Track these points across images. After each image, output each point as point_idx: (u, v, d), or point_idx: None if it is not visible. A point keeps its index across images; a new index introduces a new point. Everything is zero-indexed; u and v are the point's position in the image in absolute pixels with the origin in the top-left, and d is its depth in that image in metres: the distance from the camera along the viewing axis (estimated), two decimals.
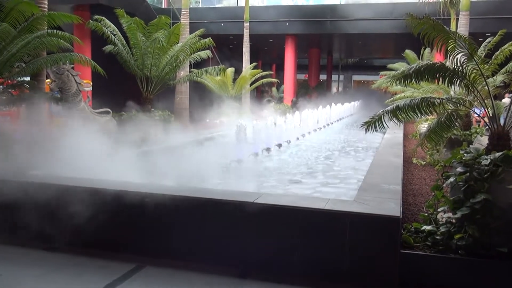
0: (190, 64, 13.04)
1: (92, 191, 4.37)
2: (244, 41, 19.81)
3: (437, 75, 5.20)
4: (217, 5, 27.00)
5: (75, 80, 9.26)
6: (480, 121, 11.59)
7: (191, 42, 11.59)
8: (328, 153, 10.37)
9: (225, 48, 25.83)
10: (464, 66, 5.16)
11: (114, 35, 10.88)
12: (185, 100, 14.19)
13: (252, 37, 20.09)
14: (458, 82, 5.28)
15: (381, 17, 20.73)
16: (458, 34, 5.08)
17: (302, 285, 3.72)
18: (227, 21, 22.37)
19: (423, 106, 5.30)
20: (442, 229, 3.84)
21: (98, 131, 7.44)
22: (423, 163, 8.15)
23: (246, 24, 19.78)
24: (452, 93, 8.82)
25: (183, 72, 13.48)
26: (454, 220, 3.83)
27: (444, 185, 4.28)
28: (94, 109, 10.06)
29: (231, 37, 23.29)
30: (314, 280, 3.78)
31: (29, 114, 7.95)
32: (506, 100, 13.16)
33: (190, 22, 14.48)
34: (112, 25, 10.92)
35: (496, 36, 8.80)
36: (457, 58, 5.17)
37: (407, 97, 8.85)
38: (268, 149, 9.54)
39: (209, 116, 14.88)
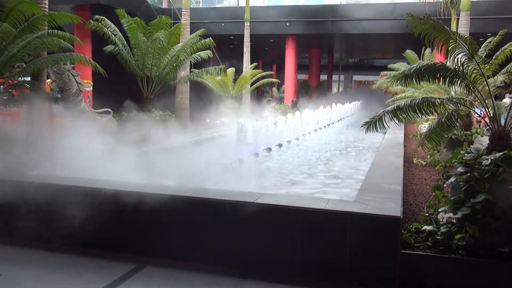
0: (191, 64, 13.05)
1: (93, 191, 4.37)
2: (244, 41, 19.82)
3: (438, 75, 5.19)
4: (217, 5, 27.02)
5: (76, 80, 9.27)
6: (480, 121, 11.60)
7: (191, 42, 11.60)
8: (328, 153, 10.36)
9: (226, 48, 25.87)
10: (465, 66, 5.15)
11: (114, 35, 10.88)
12: (186, 100, 14.20)
13: (252, 37, 20.10)
14: (458, 82, 5.28)
15: (382, 17, 20.73)
16: (459, 34, 5.08)
17: (302, 285, 3.72)
18: (228, 21, 22.38)
19: (423, 106, 5.30)
20: (442, 229, 3.84)
21: (99, 131, 7.45)
22: (424, 163, 8.15)
23: (247, 24, 19.79)
24: (452, 93, 8.82)
25: (184, 72, 13.49)
26: (454, 220, 3.83)
27: (444, 185, 4.28)
28: (94, 109, 10.07)
29: (232, 37, 23.30)
30: (314, 280, 3.78)
31: (29, 114, 7.94)
32: (506, 100, 13.15)
33: (190, 22, 14.48)
34: (113, 25, 10.93)
35: (497, 36, 8.80)
36: (457, 58, 5.17)
37: (407, 97, 8.84)
38: (268, 149, 9.53)
39: (209, 116, 14.88)
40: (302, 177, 7.49)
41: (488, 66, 5.72)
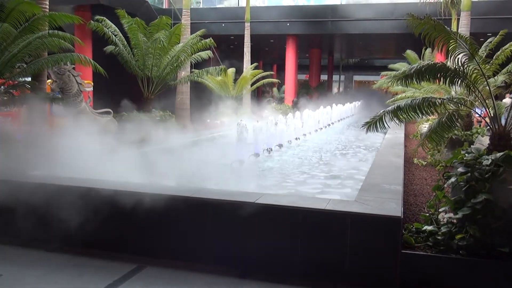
0: (191, 64, 13.04)
1: (93, 191, 4.37)
2: (245, 41, 19.82)
3: (438, 75, 5.19)
4: (218, 6, 27.02)
5: (76, 81, 9.26)
6: (481, 121, 11.60)
7: (192, 43, 11.60)
8: (329, 153, 10.36)
9: (226, 48, 25.87)
10: (465, 66, 5.15)
11: (115, 35, 10.89)
12: (186, 101, 14.20)
13: (253, 37, 20.10)
14: (459, 82, 5.27)
15: (382, 17, 20.73)
16: (459, 34, 5.07)
17: (302, 285, 3.72)
18: (228, 21, 22.39)
19: (424, 106, 5.30)
20: (443, 229, 3.83)
21: (99, 132, 7.45)
22: (424, 163, 8.14)
23: (247, 25, 19.79)
24: (453, 93, 8.81)
25: (184, 72, 13.49)
26: (455, 220, 3.82)
27: (445, 185, 4.28)
28: (95, 109, 10.07)
29: (232, 37, 23.30)
30: (314, 280, 3.78)
31: (30, 115, 7.94)
32: (507, 100, 13.13)
33: (191, 23, 14.49)
34: (113, 26, 10.93)
35: (497, 36, 8.79)
36: (458, 58, 5.17)
37: (408, 97, 8.83)
38: (269, 150, 9.53)
39: (210, 116, 14.89)
40: (303, 178, 7.49)
41: (488, 66, 5.72)
